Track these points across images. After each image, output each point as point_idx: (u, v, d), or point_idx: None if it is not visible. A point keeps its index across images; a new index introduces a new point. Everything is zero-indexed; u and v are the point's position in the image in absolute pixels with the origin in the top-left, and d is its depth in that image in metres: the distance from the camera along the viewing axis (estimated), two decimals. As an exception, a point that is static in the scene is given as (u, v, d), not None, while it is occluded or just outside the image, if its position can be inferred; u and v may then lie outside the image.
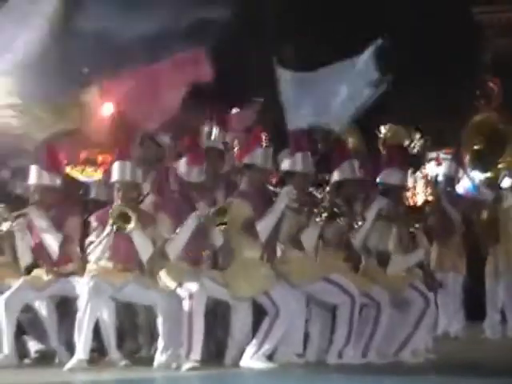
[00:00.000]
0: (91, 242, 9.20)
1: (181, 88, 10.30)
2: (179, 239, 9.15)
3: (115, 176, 9.40)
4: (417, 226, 10.25)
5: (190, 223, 9.14)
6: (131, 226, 9.02)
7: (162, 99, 10.25)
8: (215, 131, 10.79)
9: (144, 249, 9.20)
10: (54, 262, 9.45)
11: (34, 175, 9.58)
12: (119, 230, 9.02)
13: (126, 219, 9.04)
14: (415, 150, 13.32)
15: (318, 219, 9.35)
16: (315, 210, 9.37)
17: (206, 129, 10.81)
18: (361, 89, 10.41)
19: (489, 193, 13.04)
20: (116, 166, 9.42)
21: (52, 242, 9.39)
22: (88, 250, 9.24)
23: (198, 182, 9.39)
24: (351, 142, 11.81)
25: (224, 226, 9.06)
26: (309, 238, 9.43)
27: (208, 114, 11.03)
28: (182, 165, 9.44)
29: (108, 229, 9.07)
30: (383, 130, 13.13)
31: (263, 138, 10.38)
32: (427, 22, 26.17)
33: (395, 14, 25.04)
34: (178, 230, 9.14)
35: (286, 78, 10.38)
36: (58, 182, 9.70)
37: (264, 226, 9.23)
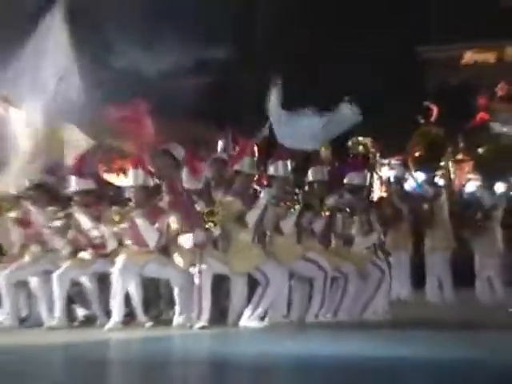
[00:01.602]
0: None
1: None
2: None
3: (130, 181, 9.40)
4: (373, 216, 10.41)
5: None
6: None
7: None
8: (224, 144, 10.68)
9: (149, 236, 9.14)
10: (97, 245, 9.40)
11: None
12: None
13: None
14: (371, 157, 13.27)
15: (292, 210, 9.38)
16: (290, 204, 9.40)
17: (220, 142, 10.66)
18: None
19: (430, 190, 13.06)
20: (130, 173, 9.40)
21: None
22: None
23: (196, 188, 9.36)
24: (323, 152, 11.72)
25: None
26: (286, 225, 9.42)
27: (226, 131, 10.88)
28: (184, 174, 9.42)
29: None
30: (350, 143, 13.07)
31: (251, 148, 10.27)
32: (382, 58, 26.22)
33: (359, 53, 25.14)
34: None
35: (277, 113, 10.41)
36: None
37: (251, 217, 9.17)
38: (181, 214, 9.19)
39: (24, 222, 9.61)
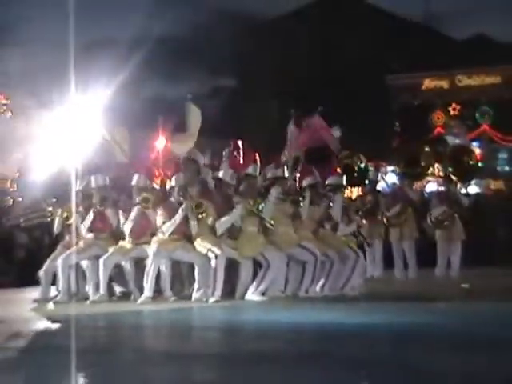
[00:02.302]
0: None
1: None
2: (228, 222, 9.10)
3: (177, 182, 9.34)
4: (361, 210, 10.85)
5: (237, 212, 9.07)
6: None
7: None
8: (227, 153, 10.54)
9: (193, 225, 9.11)
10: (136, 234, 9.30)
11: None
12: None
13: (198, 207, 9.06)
14: (361, 167, 13.16)
15: (301, 204, 9.40)
16: (300, 199, 9.44)
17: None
18: None
19: (414, 194, 13.05)
20: (175, 177, 9.39)
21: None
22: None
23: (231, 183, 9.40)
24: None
25: None
26: (304, 211, 9.47)
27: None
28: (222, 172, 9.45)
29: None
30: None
31: (256, 158, 10.29)
32: (358, 84, 26.28)
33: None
34: (226, 217, 9.06)
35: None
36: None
37: (267, 210, 9.18)
38: (214, 206, 9.17)
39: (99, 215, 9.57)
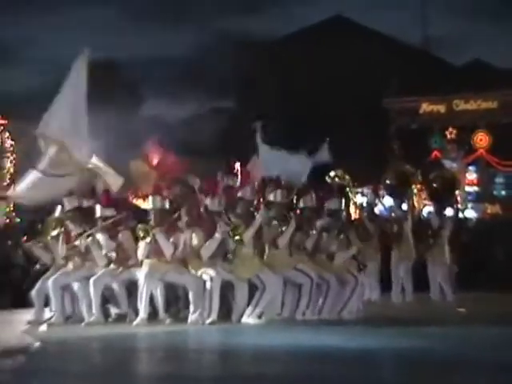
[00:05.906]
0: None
1: None
2: (211, 247, 9.00)
3: (150, 205, 9.29)
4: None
5: (218, 237, 8.99)
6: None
7: None
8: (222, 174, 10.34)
9: (166, 249, 9.01)
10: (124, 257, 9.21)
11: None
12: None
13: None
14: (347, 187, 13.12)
15: (283, 229, 9.29)
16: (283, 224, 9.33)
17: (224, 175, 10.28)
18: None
19: (400, 212, 13.00)
20: (150, 199, 9.32)
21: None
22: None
23: (218, 210, 9.26)
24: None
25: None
26: (281, 241, 9.34)
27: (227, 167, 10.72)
28: (208, 200, 9.31)
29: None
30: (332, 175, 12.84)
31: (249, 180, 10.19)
32: (356, 108, 26.37)
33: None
34: (209, 241, 8.96)
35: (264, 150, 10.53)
36: None
37: (247, 234, 9.04)
38: (203, 231, 9.09)
39: (66, 238, 9.45)
